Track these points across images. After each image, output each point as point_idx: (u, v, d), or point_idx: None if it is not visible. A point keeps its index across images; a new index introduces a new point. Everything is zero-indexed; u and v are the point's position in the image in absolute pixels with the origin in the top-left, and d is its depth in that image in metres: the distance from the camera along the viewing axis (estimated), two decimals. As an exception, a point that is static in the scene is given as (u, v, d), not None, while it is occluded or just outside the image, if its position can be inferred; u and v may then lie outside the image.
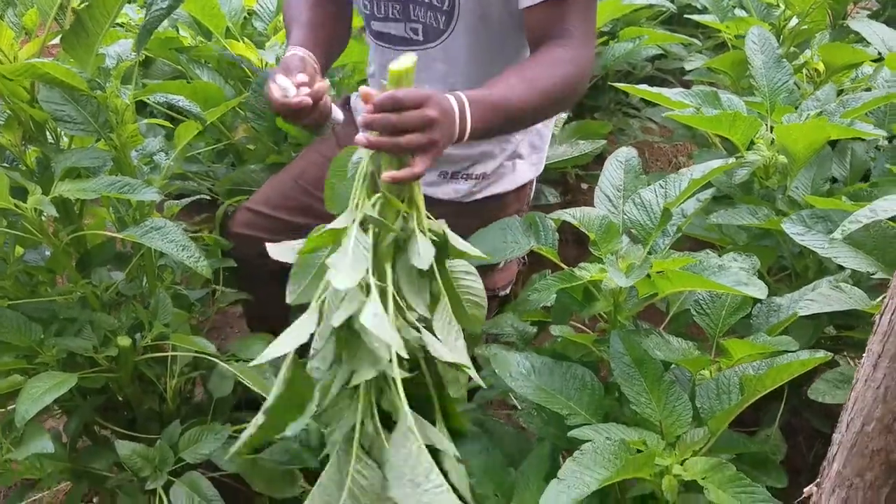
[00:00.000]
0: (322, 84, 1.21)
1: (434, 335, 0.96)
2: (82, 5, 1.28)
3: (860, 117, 1.60)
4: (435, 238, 1.00)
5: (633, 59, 2.46)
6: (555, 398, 1.11)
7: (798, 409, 1.52)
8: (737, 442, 1.15)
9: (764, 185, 1.63)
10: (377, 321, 0.85)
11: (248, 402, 1.56)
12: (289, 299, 1.03)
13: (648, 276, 1.15)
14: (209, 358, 1.43)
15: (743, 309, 1.28)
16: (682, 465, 1.03)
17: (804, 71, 2.11)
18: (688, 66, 2.23)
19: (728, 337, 1.28)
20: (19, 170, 1.37)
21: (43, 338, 1.36)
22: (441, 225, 1.03)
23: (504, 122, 1.23)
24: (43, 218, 1.36)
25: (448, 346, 0.96)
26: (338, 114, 1.29)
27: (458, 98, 1.10)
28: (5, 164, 1.37)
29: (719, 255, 1.37)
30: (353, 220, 0.94)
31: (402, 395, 0.89)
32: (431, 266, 0.96)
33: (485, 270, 1.55)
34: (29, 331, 1.35)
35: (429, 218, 1.02)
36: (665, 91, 1.68)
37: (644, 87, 1.70)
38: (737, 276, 1.05)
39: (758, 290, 1.04)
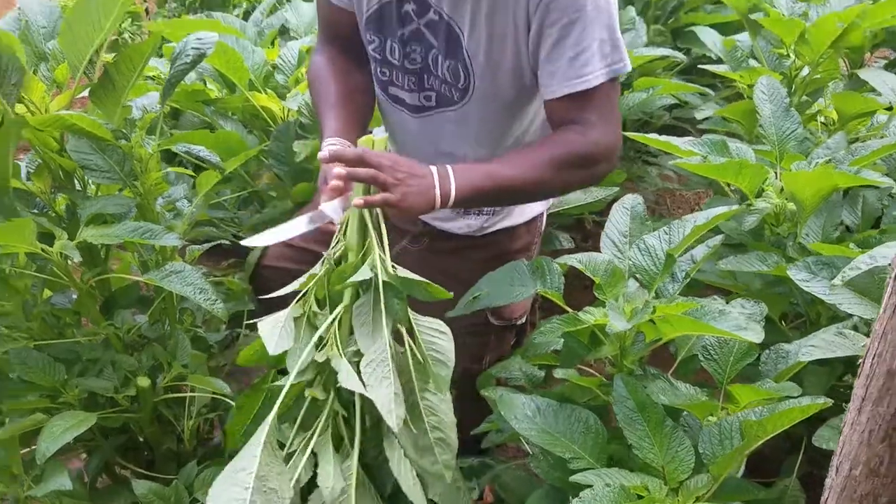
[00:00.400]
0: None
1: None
2: (110, 60, 1.35)
3: (869, 165, 1.60)
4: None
5: (648, 108, 2.49)
6: (559, 441, 1.12)
7: (817, 460, 1.50)
8: (744, 489, 1.14)
9: (775, 231, 1.64)
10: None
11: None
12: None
13: (652, 320, 1.17)
14: (226, 399, 1.46)
15: (750, 355, 1.28)
16: (684, 510, 1.03)
17: (819, 119, 2.13)
18: (698, 115, 2.26)
19: (736, 382, 1.28)
20: (48, 216, 1.43)
21: (66, 378, 1.40)
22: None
23: (500, 192, 1.29)
24: (70, 262, 1.42)
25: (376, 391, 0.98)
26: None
27: (440, 166, 1.20)
28: (35, 211, 1.43)
29: (727, 302, 1.38)
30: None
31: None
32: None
33: None
34: (53, 371, 1.39)
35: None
36: (675, 140, 1.70)
37: (654, 135, 1.73)
38: (736, 320, 1.06)
39: (755, 334, 1.04)
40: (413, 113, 1.48)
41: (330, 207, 1.21)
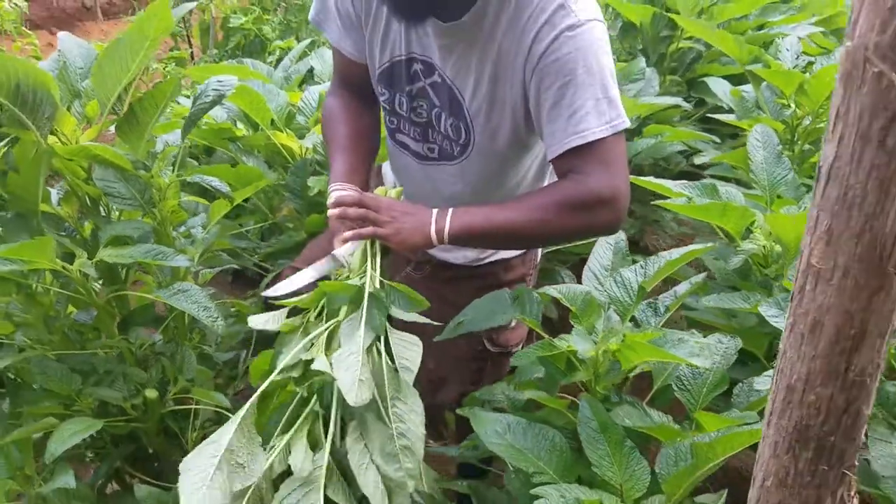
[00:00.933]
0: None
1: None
2: (135, 99, 1.47)
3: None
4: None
5: (659, 153, 2.55)
6: (524, 457, 1.17)
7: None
8: (700, 512, 1.17)
9: (763, 273, 1.67)
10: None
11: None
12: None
13: (620, 349, 1.22)
14: (228, 414, 1.54)
15: (721, 386, 1.32)
16: (637, 528, 1.06)
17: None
18: (696, 160, 2.31)
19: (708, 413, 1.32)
20: (74, 238, 1.54)
21: (81, 387, 1.50)
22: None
23: (496, 233, 1.34)
24: (97, 285, 1.53)
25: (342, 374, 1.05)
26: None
27: (442, 207, 1.32)
28: (63, 233, 1.55)
29: (705, 336, 1.42)
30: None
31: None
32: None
33: (498, 329, 1.65)
34: (69, 381, 1.49)
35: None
36: (667, 182, 1.76)
37: (650, 178, 1.79)
38: (690, 349, 1.11)
39: (704, 361, 1.09)
40: (417, 160, 1.56)
41: (341, 252, 1.33)
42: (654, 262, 1.36)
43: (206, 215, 1.77)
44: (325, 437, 1.06)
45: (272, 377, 1.08)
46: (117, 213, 1.59)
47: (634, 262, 1.41)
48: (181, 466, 0.98)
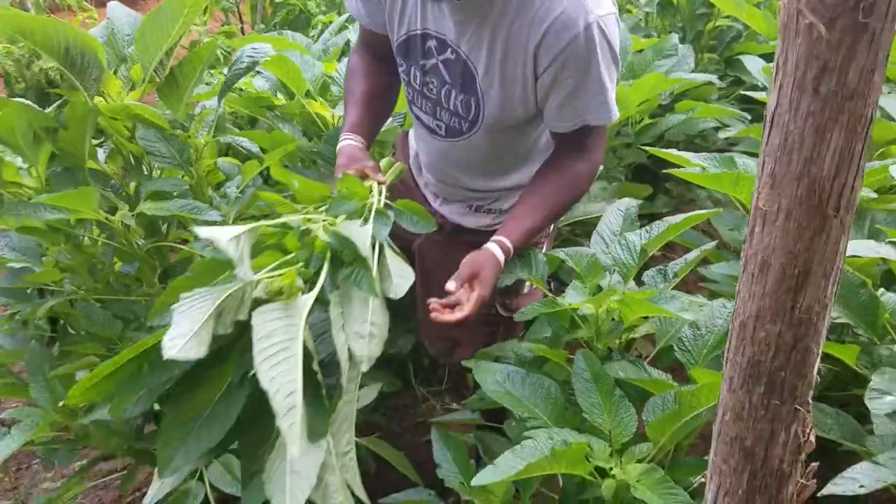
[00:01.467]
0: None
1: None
2: (176, 63, 1.57)
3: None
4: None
5: (691, 130, 2.55)
6: (520, 403, 1.23)
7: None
8: (691, 465, 1.22)
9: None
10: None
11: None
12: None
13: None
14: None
15: (720, 347, 1.36)
16: (622, 469, 1.12)
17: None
18: (721, 135, 2.32)
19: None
20: (118, 194, 1.65)
21: (122, 332, 1.61)
22: None
23: (537, 233, 1.52)
24: (140, 241, 1.64)
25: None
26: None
27: (501, 245, 1.41)
28: (108, 189, 1.66)
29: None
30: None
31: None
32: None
33: (510, 294, 1.71)
34: (112, 325, 1.61)
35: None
36: (687, 154, 1.78)
37: (673, 151, 1.82)
38: (680, 304, 1.15)
39: (692, 315, 1.13)
40: (429, 132, 1.64)
41: None
42: (658, 225, 1.40)
43: (239, 177, 1.87)
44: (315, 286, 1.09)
45: (267, 223, 1.14)
46: (158, 171, 1.69)
47: (642, 227, 1.46)
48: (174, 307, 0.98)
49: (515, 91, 1.45)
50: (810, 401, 0.81)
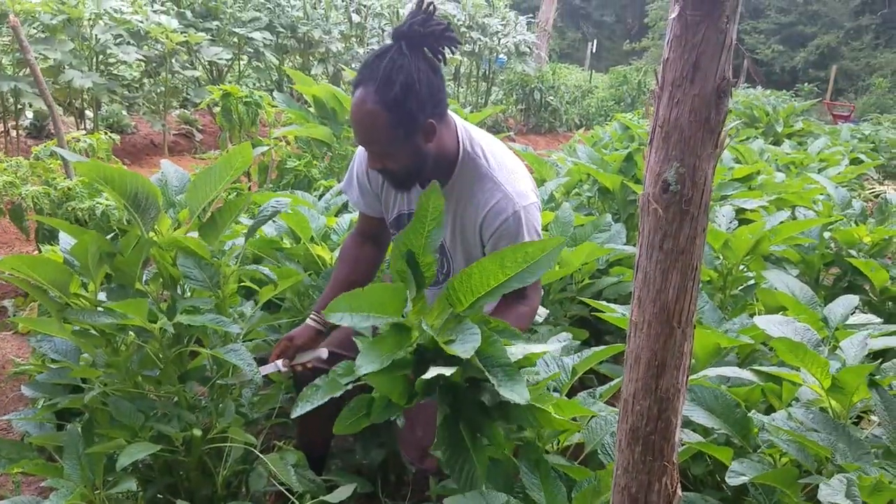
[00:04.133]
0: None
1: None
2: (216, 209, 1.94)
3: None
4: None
5: (624, 291, 2.96)
6: None
7: None
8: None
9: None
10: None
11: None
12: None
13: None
14: (255, 453, 1.89)
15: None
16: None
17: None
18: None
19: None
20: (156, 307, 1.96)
21: (144, 423, 1.86)
22: None
23: None
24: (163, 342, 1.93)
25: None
26: (322, 353, 1.94)
27: None
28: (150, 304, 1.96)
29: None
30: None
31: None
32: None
33: None
34: (135, 417, 1.86)
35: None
36: (614, 305, 2.17)
37: (603, 302, 2.20)
38: (600, 407, 1.47)
39: (607, 414, 1.45)
40: None
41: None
42: (586, 352, 1.75)
43: (253, 302, 2.20)
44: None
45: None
46: (189, 292, 2.01)
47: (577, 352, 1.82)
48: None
49: (473, 252, 1.89)
50: (675, 461, 1.12)
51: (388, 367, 1.38)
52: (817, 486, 1.37)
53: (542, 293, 1.98)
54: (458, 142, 1.85)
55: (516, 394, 1.31)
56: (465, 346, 1.34)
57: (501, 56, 11.90)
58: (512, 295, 1.83)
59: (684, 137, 0.96)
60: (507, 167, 1.87)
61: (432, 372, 1.35)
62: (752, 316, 2.47)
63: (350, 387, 1.48)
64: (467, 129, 1.90)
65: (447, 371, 1.34)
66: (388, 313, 1.45)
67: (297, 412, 1.54)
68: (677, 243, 1.00)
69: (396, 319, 1.45)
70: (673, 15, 0.94)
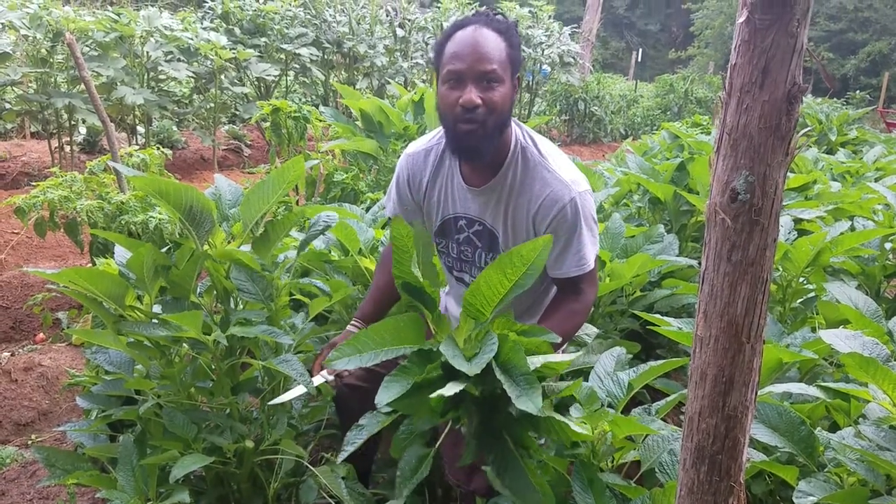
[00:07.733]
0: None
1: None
2: (269, 222, 1.95)
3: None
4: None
5: (677, 304, 2.89)
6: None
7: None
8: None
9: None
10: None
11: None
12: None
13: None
14: (306, 465, 1.88)
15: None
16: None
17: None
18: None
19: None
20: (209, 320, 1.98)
21: (197, 434, 1.88)
22: None
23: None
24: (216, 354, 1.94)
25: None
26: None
27: None
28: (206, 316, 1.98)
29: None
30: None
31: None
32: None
33: None
34: (189, 428, 1.88)
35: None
36: (669, 318, 2.12)
37: (657, 315, 2.15)
38: (659, 425, 1.43)
39: (667, 432, 1.41)
40: (464, 287, 2.01)
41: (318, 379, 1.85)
42: (642, 367, 1.71)
43: (304, 314, 2.20)
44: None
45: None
46: (242, 304, 2.03)
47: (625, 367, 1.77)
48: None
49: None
50: (742, 481, 1.08)
51: (412, 390, 1.37)
52: (891, 509, 1.30)
53: (598, 287, 1.95)
54: (512, 131, 1.88)
55: (532, 403, 1.28)
56: (473, 364, 1.33)
57: (545, 67, 11.86)
58: (568, 288, 1.86)
59: (754, 145, 0.92)
60: (558, 156, 1.88)
61: (450, 389, 1.33)
62: (813, 330, 2.39)
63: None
64: (518, 123, 1.93)
65: (457, 388, 1.32)
66: (411, 343, 1.44)
67: (342, 457, 1.56)
68: (746, 254, 0.96)
69: (419, 346, 1.44)
70: (741, 19, 0.91)
